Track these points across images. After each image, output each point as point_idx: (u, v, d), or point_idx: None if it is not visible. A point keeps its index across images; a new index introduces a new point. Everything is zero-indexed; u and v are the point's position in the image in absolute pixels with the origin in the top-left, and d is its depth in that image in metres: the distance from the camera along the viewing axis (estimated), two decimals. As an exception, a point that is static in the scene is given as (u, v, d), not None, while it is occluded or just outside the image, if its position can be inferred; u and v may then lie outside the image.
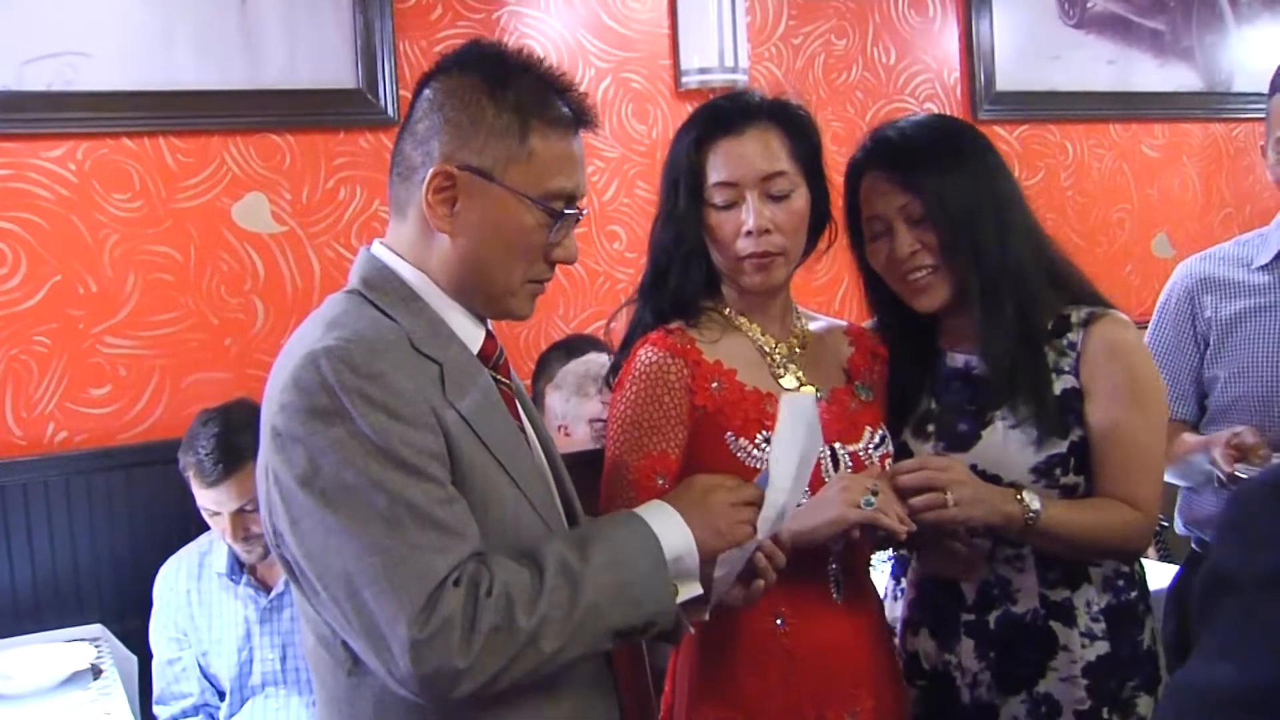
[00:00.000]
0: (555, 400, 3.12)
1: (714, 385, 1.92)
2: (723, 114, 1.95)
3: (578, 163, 1.61)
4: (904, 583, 2.20)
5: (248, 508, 2.68)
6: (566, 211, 1.59)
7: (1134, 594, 2.07)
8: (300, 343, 1.52)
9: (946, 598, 2.08)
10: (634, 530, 1.57)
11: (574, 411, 2.99)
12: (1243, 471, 2.28)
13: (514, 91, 1.56)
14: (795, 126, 1.96)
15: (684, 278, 1.97)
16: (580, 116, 1.63)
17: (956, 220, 1.97)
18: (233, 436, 2.69)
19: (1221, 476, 2.35)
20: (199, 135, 3.25)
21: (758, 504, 1.66)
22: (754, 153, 1.91)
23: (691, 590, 1.59)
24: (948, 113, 4.22)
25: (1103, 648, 2.02)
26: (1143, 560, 2.14)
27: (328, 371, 1.44)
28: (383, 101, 3.39)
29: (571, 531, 1.64)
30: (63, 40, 3.11)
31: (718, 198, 1.92)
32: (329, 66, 3.37)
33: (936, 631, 2.10)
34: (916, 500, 1.86)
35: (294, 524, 1.46)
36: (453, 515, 1.46)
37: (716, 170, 1.92)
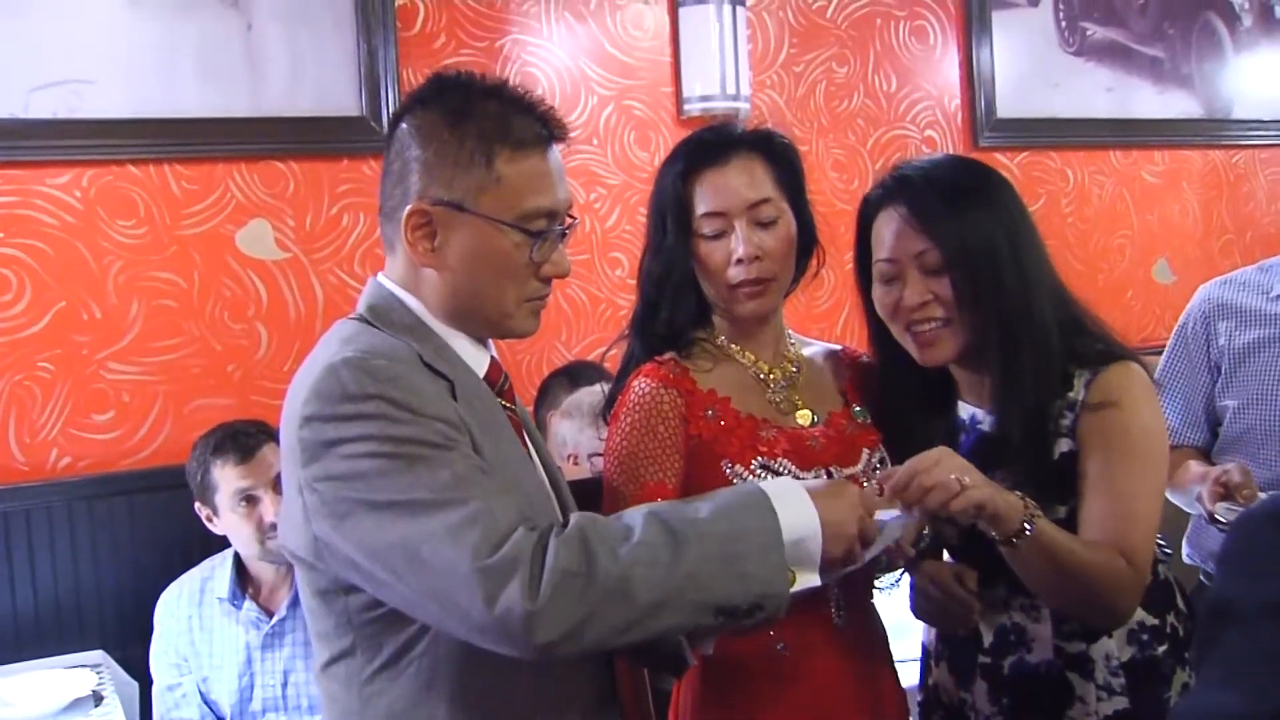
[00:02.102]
0: (567, 429, 3.10)
1: (708, 413, 1.93)
2: (707, 145, 1.97)
3: (553, 178, 1.62)
4: None
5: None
6: (547, 229, 1.61)
7: (1161, 649, 1.95)
8: (316, 361, 1.54)
9: (965, 637, 2.03)
10: (753, 501, 1.49)
11: (587, 442, 2.96)
12: (1223, 514, 2.25)
13: (474, 121, 1.58)
14: (778, 155, 1.98)
15: (675, 309, 1.99)
16: (550, 131, 1.63)
17: (977, 273, 1.87)
18: (249, 425, 2.79)
19: (1204, 516, 2.32)
20: (203, 162, 3.26)
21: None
22: (740, 182, 1.94)
23: (809, 580, 1.50)
24: (949, 139, 4.26)
25: (1121, 703, 1.92)
26: (1181, 612, 2.00)
27: (348, 379, 1.47)
28: (386, 129, 3.35)
29: (681, 500, 1.59)
30: (68, 68, 3.12)
31: (706, 228, 1.94)
32: (333, 94, 3.38)
33: (954, 668, 2.07)
34: (932, 498, 1.68)
35: (340, 520, 1.45)
36: (495, 480, 1.46)
37: (704, 201, 1.94)
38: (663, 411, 1.92)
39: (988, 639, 2.01)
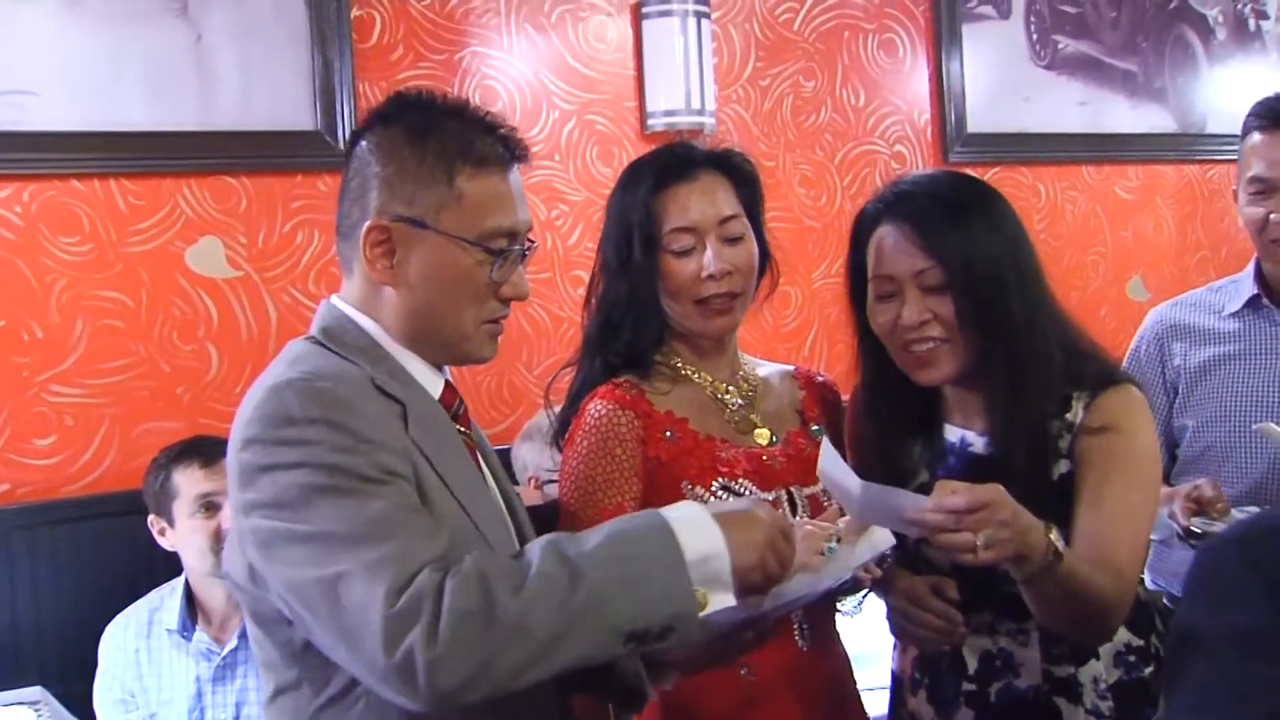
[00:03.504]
0: (527, 452, 3.13)
1: (667, 435, 1.96)
2: (675, 160, 2.02)
3: (514, 198, 1.64)
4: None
5: None
6: (508, 249, 1.62)
7: (1148, 670, 1.98)
8: (264, 381, 1.55)
9: (947, 663, 2.03)
10: (650, 524, 1.48)
11: (548, 464, 2.99)
12: (1199, 526, 2.27)
13: (436, 138, 1.61)
14: (740, 174, 2.04)
15: (640, 329, 2.01)
16: (511, 152, 1.65)
17: (980, 293, 1.87)
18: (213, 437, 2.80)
19: (1179, 531, 2.34)
20: (151, 177, 3.25)
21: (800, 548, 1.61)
22: (709, 198, 1.99)
23: (722, 601, 1.47)
24: (918, 154, 4.29)
25: None
26: (1161, 634, 2.03)
27: (292, 402, 1.47)
28: (341, 144, 3.36)
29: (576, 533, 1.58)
30: (9, 79, 3.10)
31: (675, 244, 1.98)
32: (286, 107, 3.37)
33: (935, 696, 2.05)
34: (942, 540, 1.67)
35: (267, 550, 1.46)
36: (424, 520, 1.47)
37: (674, 217, 1.98)
38: (620, 434, 1.95)
39: (972, 665, 2.00)
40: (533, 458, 3.11)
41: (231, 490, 1.54)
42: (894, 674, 2.17)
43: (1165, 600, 2.70)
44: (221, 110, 3.31)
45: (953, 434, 2.01)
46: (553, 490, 2.97)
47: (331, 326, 1.64)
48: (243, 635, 2.74)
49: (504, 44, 3.68)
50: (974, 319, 1.87)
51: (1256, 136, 2.51)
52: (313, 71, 3.40)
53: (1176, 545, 2.56)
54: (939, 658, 2.03)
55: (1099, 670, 1.95)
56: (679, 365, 2.04)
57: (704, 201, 1.98)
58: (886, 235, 1.92)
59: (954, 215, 1.89)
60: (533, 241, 1.68)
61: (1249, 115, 2.55)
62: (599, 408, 1.97)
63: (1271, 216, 2.46)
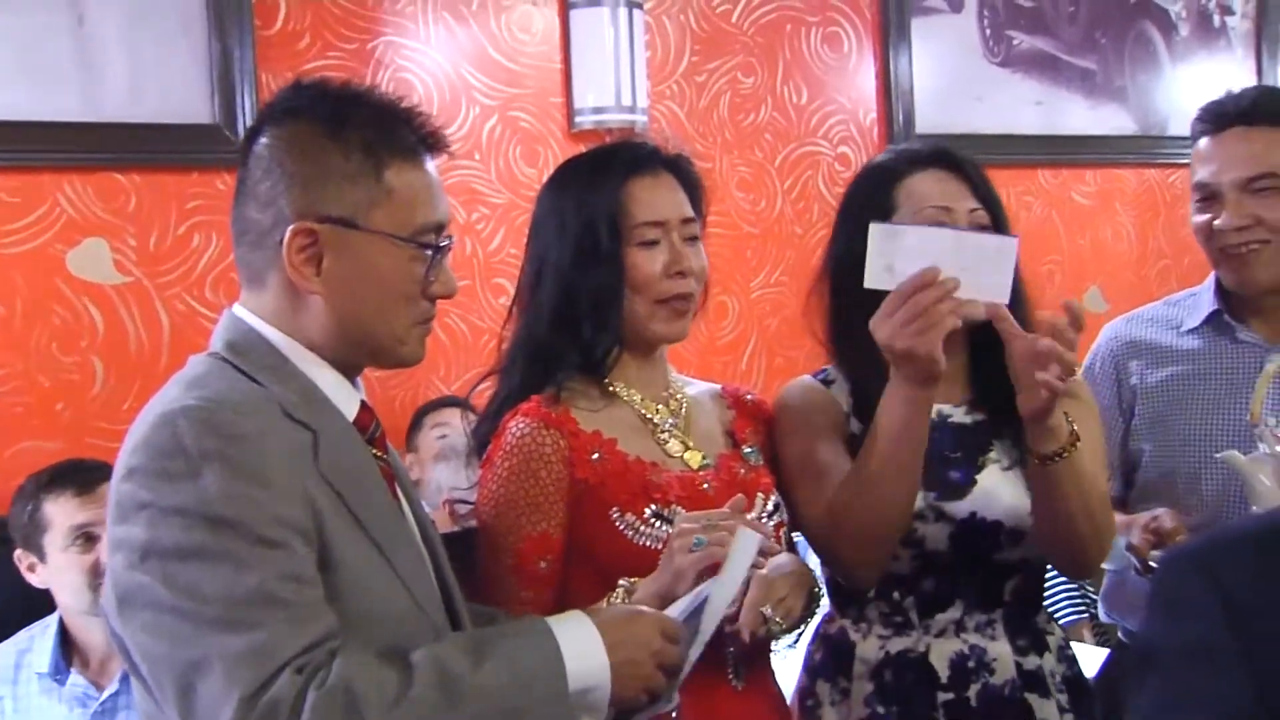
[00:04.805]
0: (443, 473, 3.16)
1: (594, 457, 1.94)
2: (640, 154, 2.04)
3: (438, 189, 1.64)
4: (843, 683, 2.13)
5: None
6: (440, 243, 1.61)
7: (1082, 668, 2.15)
8: (156, 405, 1.50)
9: (915, 678, 2.06)
10: (540, 649, 1.49)
11: (464, 485, 2.90)
12: (1157, 561, 2.24)
13: (356, 129, 1.58)
14: (691, 180, 2.07)
15: (599, 329, 1.99)
16: (429, 141, 1.64)
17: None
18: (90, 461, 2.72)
19: (1137, 565, 2.32)
20: (27, 172, 3.15)
21: (681, 641, 1.61)
22: (675, 196, 2.02)
23: None
24: (863, 155, 4.24)
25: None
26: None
27: (185, 432, 1.43)
28: (242, 138, 3.30)
29: (468, 634, 1.61)
30: None
31: (641, 237, 1.98)
32: (180, 98, 3.29)
33: (908, 715, 2.07)
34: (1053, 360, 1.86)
35: (127, 604, 1.43)
36: (305, 597, 1.43)
37: (644, 209, 1.99)
38: (544, 454, 1.92)
39: (944, 673, 2.05)
40: (448, 479, 3.14)
41: (108, 521, 1.49)
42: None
43: (1121, 634, 2.70)
44: (107, 100, 3.22)
45: (931, 413, 2.05)
46: (460, 510, 2.95)
47: (236, 341, 1.59)
48: (124, 678, 2.63)
49: (421, 34, 3.62)
50: None
51: (1202, 141, 2.50)
52: (210, 59, 3.32)
53: (1132, 577, 2.52)
54: (901, 676, 2.07)
55: (1053, 664, 2.10)
56: (607, 382, 2.02)
57: (670, 198, 2.01)
58: (932, 176, 2.11)
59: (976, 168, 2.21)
60: (451, 236, 1.66)
61: (1194, 120, 2.54)
62: (520, 426, 1.94)
63: (1216, 223, 2.43)
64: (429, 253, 1.60)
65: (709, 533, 1.77)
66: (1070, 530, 2.00)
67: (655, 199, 2.00)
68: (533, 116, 3.77)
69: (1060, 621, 3.39)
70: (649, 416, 2.02)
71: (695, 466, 2.01)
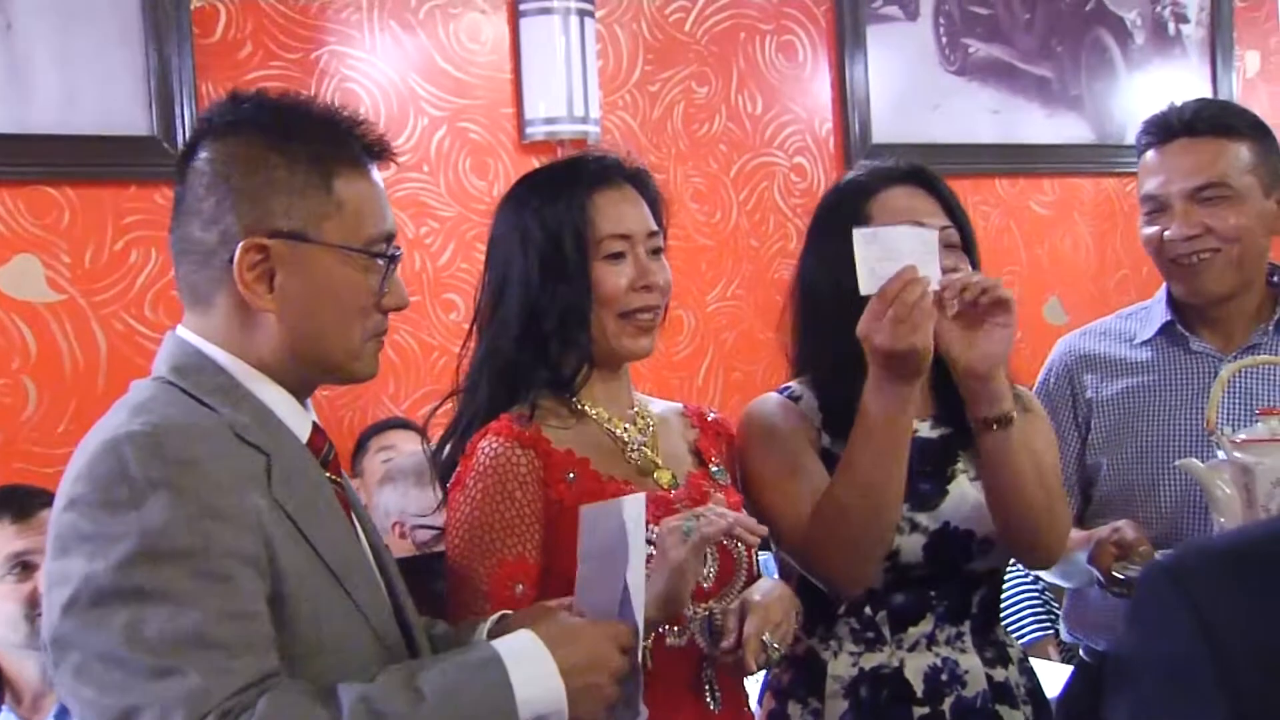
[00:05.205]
0: (389, 496, 3.09)
1: (569, 477, 1.92)
2: (603, 167, 2.04)
3: (384, 198, 1.64)
4: (814, 703, 2.14)
5: None
6: (392, 253, 1.61)
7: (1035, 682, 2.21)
8: (100, 431, 1.48)
9: (891, 694, 2.09)
10: (487, 679, 1.47)
11: (414, 506, 2.96)
12: (1121, 572, 2.24)
13: (301, 141, 1.57)
14: (654, 194, 2.07)
15: (567, 347, 1.98)
16: (374, 150, 1.64)
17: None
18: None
19: (1101, 578, 2.30)
20: (-47, 186, 3.11)
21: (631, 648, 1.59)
22: (638, 209, 2.02)
23: None
24: (820, 166, 4.28)
25: None
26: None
27: (131, 459, 1.41)
28: (179, 155, 3.26)
29: (407, 667, 1.54)
30: None
31: (608, 250, 1.97)
32: (117, 109, 3.25)
33: None
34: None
35: (62, 646, 1.41)
36: (246, 636, 1.41)
37: (610, 222, 1.98)
38: (519, 474, 1.89)
39: (919, 687, 2.09)
40: (396, 502, 3.08)
41: (47, 553, 1.47)
42: None
43: (1083, 653, 2.68)
44: (38, 111, 3.18)
45: None
46: (421, 536, 2.91)
47: (183, 364, 1.57)
48: (60, 715, 2.56)
49: (366, 43, 3.59)
50: None
51: (1149, 154, 2.51)
52: (148, 69, 3.29)
53: (1094, 594, 2.52)
54: (875, 692, 2.09)
55: (1015, 675, 2.16)
56: (577, 400, 2.01)
57: (635, 211, 2.01)
58: (901, 192, 2.14)
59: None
60: (400, 246, 1.65)
61: (1139, 132, 2.56)
62: (493, 445, 1.91)
63: (1166, 234, 2.44)
64: (381, 263, 1.59)
65: (699, 520, 1.77)
66: (1025, 501, 2.06)
67: (620, 212, 1.99)
68: (482, 128, 3.74)
69: (1025, 639, 3.42)
70: (618, 435, 2.01)
71: (665, 486, 2.00)
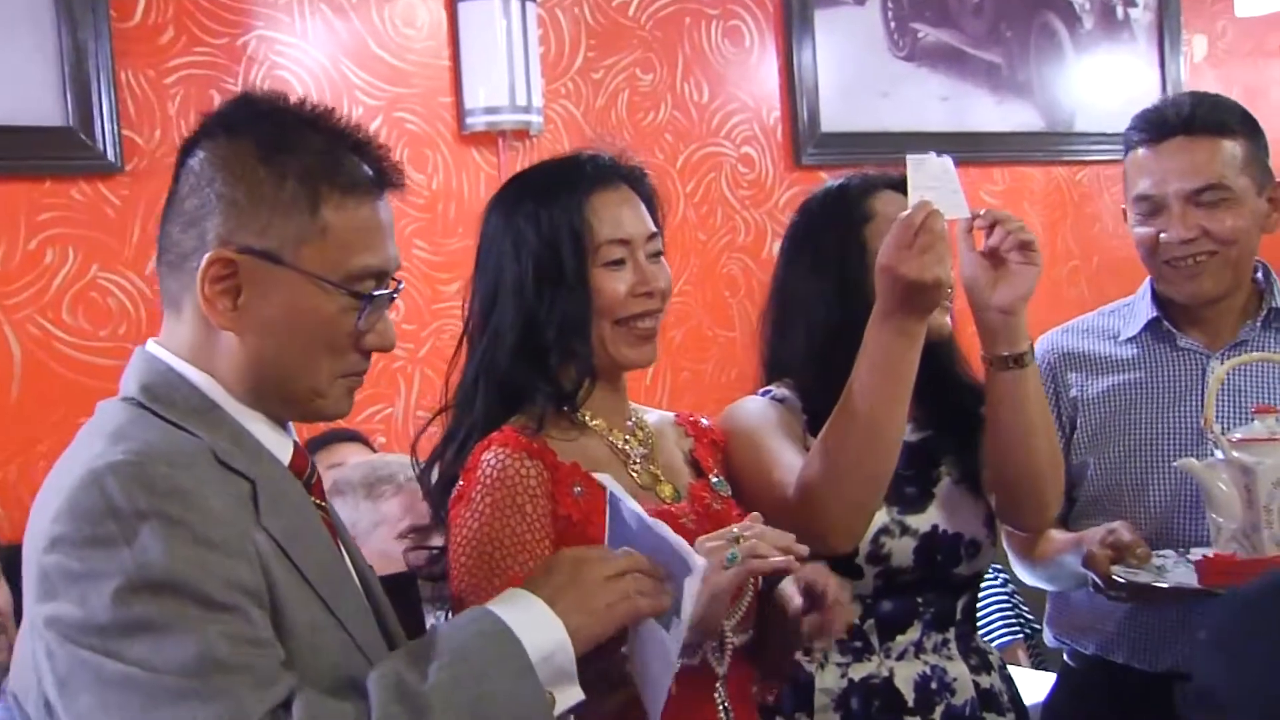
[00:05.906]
0: (340, 509, 2.94)
1: (576, 490, 1.89)
2: (601, 164, 2.01)
3: (385, 232, 1.56)
4: (802, 718, 2.15)
5: None
6: (376, 293, 1.53)
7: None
8: (74, 463, 1.43)
9: (883, 704, 2.12)
10: (490, 631, 1.45)
11: (365, 518, 2.86)
12: (1121, 575, 2.23)
13: (296, 155, 1.51)
14: (651, 193, 2.05)
15: (569, 358, 1.95)
16: (383, 177, 1.57)
17: None
18: None
19: (1098, 581, 2.29)
20: None
21: (645, 573, 1.55)
22: (637, 211, 1.99)
23: (570, 697, 1.48)
24: (768, 156, 4.27)
25: None
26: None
27: (115, 492, 1.36)
28: (101, 143, 3.22)
29: (407, 645, 1.57)
30: None
31: (608, 256, 1.94)
32: (28, 99, 3.15)
33: None
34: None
35: (63, 686, 1.37)
36: (267, 659, 1.39)
37: (608, 227, 1.95)
38: (528, 486, 1.86)
39: (910, 696, 2.13)
40: (347, 515, 2.97)
41: (28, 599, 1.42)
42: None
43: (1067, 658, 2.67)
44: None
45: None
46: (416, 558, 2.84)
47: (154, 384, 1.52)
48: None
49: (296, 27, 3.51)
50: None
51: (1140, 151, 2.48)
52: (61, 56, 3.19)
53: (1078, 597, 2.53)
54: (867, 700, 2.12)
55: (998, 682, 2.22)
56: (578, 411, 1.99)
57: (634, 214, 1.98)
58: (890, 198, 2.23)
59: None
60: (399, 282, 1.59)
61: (1129, 129, 2.53)
62: (500, 456, 1.87)
63: (1162, 236, 2.42)
64: (361, 300, 1.51)
65: (736, 547, 1.76)
66: (1033, 447, 2.11)
67: (620, 216, 1.96)
68: (420, 118, 3.68)
69: (995, 642, 3.39)
70: (620, 447, 1.99)
71: (668, 498, 1.99)
